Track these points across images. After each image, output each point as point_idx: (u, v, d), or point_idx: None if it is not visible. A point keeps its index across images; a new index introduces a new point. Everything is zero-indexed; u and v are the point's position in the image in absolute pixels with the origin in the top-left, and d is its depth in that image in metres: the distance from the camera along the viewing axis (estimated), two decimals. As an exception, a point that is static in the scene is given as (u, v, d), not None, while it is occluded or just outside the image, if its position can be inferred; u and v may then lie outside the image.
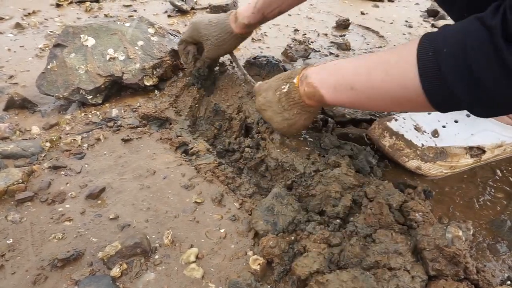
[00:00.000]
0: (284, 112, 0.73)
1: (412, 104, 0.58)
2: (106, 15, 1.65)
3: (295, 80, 0.71)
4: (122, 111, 1.01)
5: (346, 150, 0.79)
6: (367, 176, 0.76)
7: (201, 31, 0.97)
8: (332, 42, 1.44)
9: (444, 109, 0.56)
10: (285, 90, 0.72)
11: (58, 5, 1.75)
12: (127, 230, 0.67)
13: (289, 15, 1.74)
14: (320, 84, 0.66)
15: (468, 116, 0.81)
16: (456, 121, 0.81)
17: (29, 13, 1.66)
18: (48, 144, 0.87)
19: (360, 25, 1.62)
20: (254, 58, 1.15)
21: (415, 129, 0.80)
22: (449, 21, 1.58)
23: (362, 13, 1.77)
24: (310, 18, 1.72)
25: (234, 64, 1.05)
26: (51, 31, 1.49)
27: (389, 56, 0.58)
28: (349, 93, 0.63)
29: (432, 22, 1.69)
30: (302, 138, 0.81)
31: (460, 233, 0.57)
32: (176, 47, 1.14)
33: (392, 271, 0.56)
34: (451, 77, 0.49)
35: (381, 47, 1.43)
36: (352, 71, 0.62)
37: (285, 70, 1.18)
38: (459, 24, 0.51)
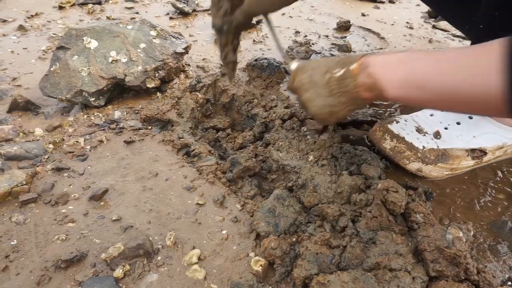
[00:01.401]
0: (329, 97, 0.67)
1: (488, 110, 0.57)
2: (108, 17, 1.65)
3: (353, 67, 0.65)
4: (125, 113, 1.02)
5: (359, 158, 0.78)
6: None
7: None
8: (333, 44, 1.45)
9: None
10: (339, 74, 0.66)
11: (60, 8, 1.76)
12: (129, 231, 0.68)
13: (290, 16, 1.75)
14: (385, 77, 0.61)
15: (470, 118, 0.81)
16: (458, 123, 0.81)
17: (32, 16, 1.67)
18: (51, 146, 0.88)
19: (361, 27, 1.62)
20: (255, 60, 1.16)
21: (416, 130, 0.81)
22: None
23: (363, 15, 1.77)
24: (311, 19, 1.72)
25: (268, 27, 0.91)
26: (53, 33, 1.50)
27: (467, 58, 0.55)
28: (416, 91, 0.60)
29: (433, 23, 1.69)
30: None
31: (461, 234, 0.58)
32: (178, 50, 1.14)
33: (392, 272, 0.56)
34: None
35: (382, 48, 1.43)
36: (424, 69, 0.59)
37: (286, 72, 1.19)
38: None
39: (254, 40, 1.46)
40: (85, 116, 1.00)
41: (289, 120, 0.89)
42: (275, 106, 0.98)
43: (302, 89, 0.71)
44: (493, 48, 0.52)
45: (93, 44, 1.06)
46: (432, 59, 0.59)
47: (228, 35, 0.88)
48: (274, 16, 1.74)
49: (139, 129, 0.95)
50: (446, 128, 0.81)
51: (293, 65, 0.77)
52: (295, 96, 0.82)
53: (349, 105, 0.67)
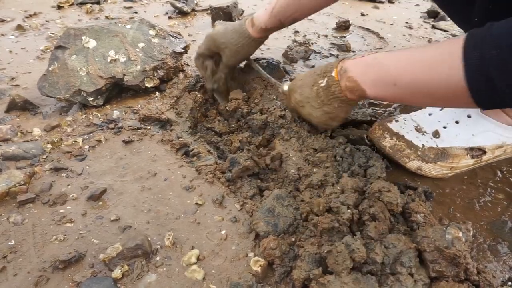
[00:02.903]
0: (323, 106, 0.74)
1: (455, 102, 0.60)
2: (107, 17, 1.65)
3: (333, 74, 0.71)
4: (123, 112, 1.01)
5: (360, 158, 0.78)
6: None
7: (219, 39, 0.97)
8: (332, 44, 1.44)
9: (487, 108, 0.60)
10: (323, 84, 0.72)
11: (59, 7, 1.76)
12: (128, 231, 0.68)
13: (290, 16, 1.74)
14: (361, 78, 0.66)
15: (469, 117, 0.81)
16: (457, 122, 0.81)
17: (30, 15, 1.67)
18: (49, 145, 0.88)
19: (360, 27, 1.62)
20: (255, 60, 1.16)
21: (416, 129, 0.81)
22: (450, 22, 1.58)
23: (362, 15, 1.77)
24: (311, 19, 1.72)
25: (255, 68, 1.06)
26: (52, 33, 1.49)
27: (432, 54, 0.59)
28: (392, 89, 0.64)
29: (433, 23, 1.69)
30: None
31: (460, 234, 0.57)
32: (177, 49, 1.14)
33: (395, 275, 0.56)
34: (500, 82, 0.50)
35: (381, 48, 1.43)
36: (394, 67, 0.63)
37: (285, 71, 1.18)
38: (507, 24, 0.51)
39: (253, 40, 1.46)
40: (84, 116, 1.00)
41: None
42: (273, 107, 0.97)
43: (299, 106, 0.78)
44: (456, 42, 0.55)
45: (92, 43, 1.05)
46: (402, 55, 0.63)
47: (222, 85, 1.06)
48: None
49: (138, 128, 0.95)
50: (445, 127, 0.81)
51: (285, 87, 0.83)
52: (295, 114, 0.88)
53: (343, 108, 0.73)
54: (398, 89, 0.63)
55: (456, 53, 0.54)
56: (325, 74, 0.72)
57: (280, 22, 0.93)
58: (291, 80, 1.12)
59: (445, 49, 0.57)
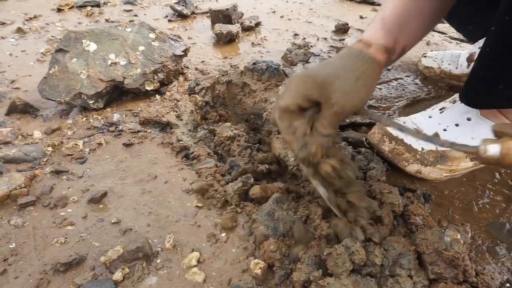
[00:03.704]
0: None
1: None
2: (107, 20, 1.66)
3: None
4: (124, 115, 1.02)
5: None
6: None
7: (322, 71, 0.59)
8: (331, 46, 1.45)
9: None
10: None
11: (59, 10, 1.77)
12: (129, 234, 0.68)
13: (289, 19, 1.75)
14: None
15: (469, 119, 0.81)
16: (457, 125, 0.81)
17: (30, 18, 1.67)
18: (50, 148, 0.88)
19: (359, 29, 1.63)
20: (254, 63, 1.16)
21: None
22: (447, 24, 1.59)
23: (361, 17, 1.78)
24: (310, 22, 1.73)
25: (370, 117, 0.64)
26: (52, 36, 1.50)
27: None
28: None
29: (431, 26, 1.70)
30: None
31: (458, 236, 0.58)
32: (177, 52, 1.14)
33: (394, 277, 0.57)
34: None
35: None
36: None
37: (285, 74, 1.19)
38: None
39: (252, 43, 1.47)
40: (84, 119, 1.00)
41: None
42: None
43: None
44: None
45: (92, 46, 1.06)
46: None
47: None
48: (272, 19, 1.75)
49: (138, 131, 0.95)
50: (444, 130, 0.81)
51: (494, 149, 0.53)
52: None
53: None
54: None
55: None
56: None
57: (395, 41, 0.67)
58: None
59: None
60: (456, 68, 1.14)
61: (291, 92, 0.60)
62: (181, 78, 1.18)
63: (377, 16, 0.69)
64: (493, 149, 0.53)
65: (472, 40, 1.11)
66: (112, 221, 0.70)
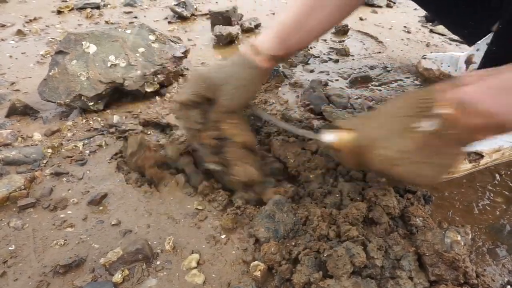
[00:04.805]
0: (435, 157, 0.53)
1: None
2: (107, 22, 1.66)
3: (445, 111, 0.51)
4: (124, 117, 1.02)
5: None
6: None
7: (215, 76, 0.73)
8: (331, 48, 1.45)
9: None
10: (430, 129, 0.52)
11: (59, 12, 1.77)
12: (128, 236, 0.68)
13: (289, 21, 1.75)
14: (502, 108, 0.48)
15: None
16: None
17: (30, 20, 1.68)
18: (50, 150, 0.88)
19: (359, 31, 1.63)
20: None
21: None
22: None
23: (361, 19, 1.78)
24: (309, 24, 1.73)
25: (261, 117, 0.80)
26: (52, 38, 1.50)
27: None
28: None
29: (430, 27, 1.70)
30: None
31: (459, 238, 0.58)
32: (177, 54, 1.14)
33: (394, 278, 0.56)
34: None
35: (380, 52, 1.44)
36: None
37: (284, 75, 1.19)
38: None
39: (252, 44, 1.47)
40: (84, 121, 1.00)
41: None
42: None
43: (393, 165, 0.56)
44: None
45: (92, 48, 1.06)
46: None
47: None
48: (272, 20, 1.75)
49: (138, 133, 0.95)
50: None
51: (329, 137, 0.64)
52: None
53: (461, 150, 0.55)
54: None
55: None
56: (425, 112, 0.53)
57: (286, 47, 0.74)
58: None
59: None
60: (455, 70, 1.15)
61: (187, 89, 0.75)
62: (181, 80, 1.18)
63: (276, 19, 0.74)
64: (328, 137, 0.64)
65: (469, 42, 1.11)
66: (112, 223, 0.70)
